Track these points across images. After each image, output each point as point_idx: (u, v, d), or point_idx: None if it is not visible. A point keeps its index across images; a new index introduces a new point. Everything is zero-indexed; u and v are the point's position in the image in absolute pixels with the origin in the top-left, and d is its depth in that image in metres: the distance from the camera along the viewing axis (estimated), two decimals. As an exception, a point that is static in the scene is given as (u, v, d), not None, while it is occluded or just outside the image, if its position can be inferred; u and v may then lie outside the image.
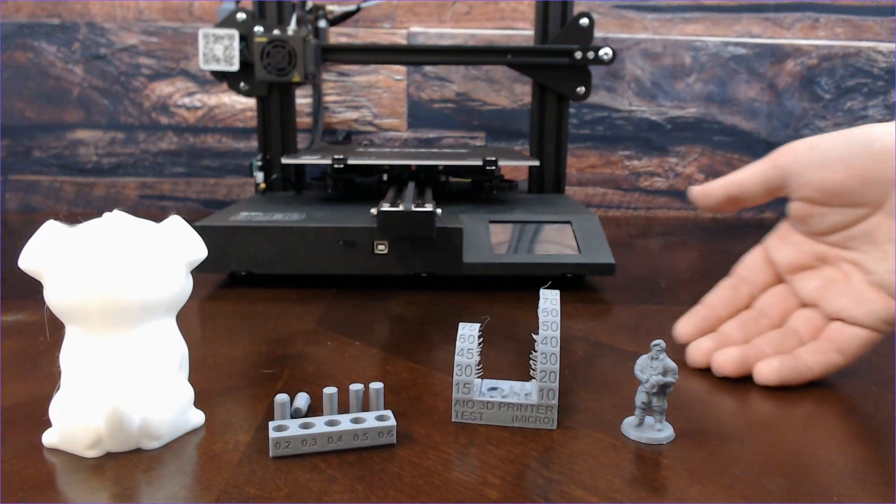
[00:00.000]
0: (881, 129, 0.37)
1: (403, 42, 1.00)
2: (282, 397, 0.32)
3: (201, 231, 0.57)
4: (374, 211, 0.56)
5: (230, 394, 0.38)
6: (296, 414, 0.34)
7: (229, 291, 0.58)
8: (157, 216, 0.33)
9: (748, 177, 0.42)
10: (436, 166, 0.71)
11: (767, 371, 0.38)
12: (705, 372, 0.41)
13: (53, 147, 1.00)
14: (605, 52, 0.72)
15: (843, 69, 1.03)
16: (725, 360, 0.40)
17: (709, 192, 0.44)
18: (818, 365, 0.39)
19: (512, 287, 0.60)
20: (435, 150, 0.79)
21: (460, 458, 0.31)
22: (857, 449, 0.32)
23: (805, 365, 0.39)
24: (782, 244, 0.43)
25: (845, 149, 0.38)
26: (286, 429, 0.31)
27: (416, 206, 0.56)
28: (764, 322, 0.42)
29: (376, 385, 0.34)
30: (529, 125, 0.89)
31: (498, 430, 0.34)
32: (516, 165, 0.95)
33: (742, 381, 0.40)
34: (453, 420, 0.35)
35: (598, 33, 0.99)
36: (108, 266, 0.29)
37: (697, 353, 0.42)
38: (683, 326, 0.44)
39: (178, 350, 0.33)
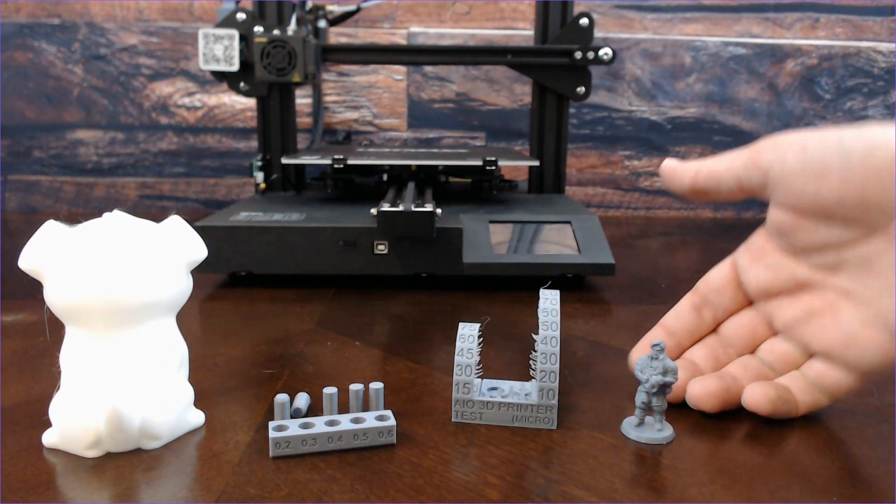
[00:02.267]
0: (881, 134, 0.31)
1: (403, 42, 1.00)
2: (282, 397, 0.32)
3: (201, 231, 0.57)
4: (373, 211, 0.56)
5: (230, 394, 0.38)
6: (296, 414, 0.34)
7: (229, 291, 0.58)
8: (157, 216, 0.33)
9: (723, 170, 0.36)
10: (436, 166, 0.71)
11: (763, 398, 0.34)
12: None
13: (53, 147, 1.00)
14: (605, 52, 0.72)
15: (843, 69, 1.03)
16: (703, 394, 0.35)
17: (678, 176, 0.38)
18: (804, 405, 0.34)
19: (512, 287, 0.60)
20: (435, 150, 0.79)
21: (460, 458, 0.31)
22: (857, 449, 0.32)
23: (794, 400, 0.34)
24: (756, 264, 0.36)
25: (840, 157, 0.31)
26: (286, 429, 0.31)
27: (416, 207, 0.56)
28: (730, 352, 0.37)
29: (376, 385, 0.34)
30: (529, 125, 0.89)
31: (498, 430, 0.34)
32: (516, 165, 0.95)
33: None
34: (453, 420, 0.35)
35: (598, 33, 0.99)
36: (108, 266, 0.29)
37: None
38: (639, 355, 0.38)
39: (178, 350, 0.33)
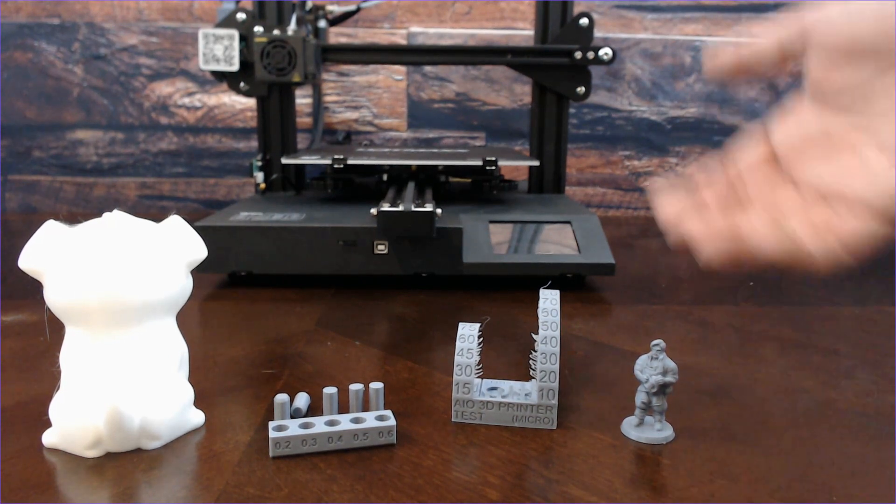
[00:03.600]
0: None
1: (403, 42, 1.00)
2: (282, 397, 0.32)
3: (201, 231, 0.57)
4: (373, 211, 0.56)
5: (230, 394, 0.38)
6: (296, 414, 0.34)
7: (229, 291, 0.58)
8: (157, 216, 0.33)
9: (764, 38, 0.36)
10: (436, 166, 0.71)
11: (768, 241, 0.32)
12: (705, 373, 0.41)
13: (53, 147, 1.00)
14: (605, 52, 0.72)
15: (843, 69, 1.02)
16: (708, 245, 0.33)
17: (718, 55, 0.38)
18: (820, 254, 0.32)
19: (512, 287, 0.60)
20: (435, 150, 0.79)
21: (460, 458, 0.31)
22: (857, 449, 0.32)
23: (805, 250, 0.32)
24: (784, 119, 0.36)
25: None
26: (286, 429, 0.31)
27: (416, 206, 0.56)
28: (742, 198, 0.36)
29: (376, 385, 0.34)
30: (529, 125, 0.89)
31: (498, 430, 0.34)
32: (516, 165, 0.95)
33: (742, 376, 0.40)
34: (453, 420, 0.35)
35: (598, 33, 0.99)
36: (107, 266, 0.29)
37: (670, 207, 0.35)
38: (667, 207, 0.36)
39: (177, 350, 0.33)
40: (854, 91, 0.34)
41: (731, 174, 0.37)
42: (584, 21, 0.72)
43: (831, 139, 0.35)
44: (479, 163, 0.66)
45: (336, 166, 0.65)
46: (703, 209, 0.35)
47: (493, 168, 0.67)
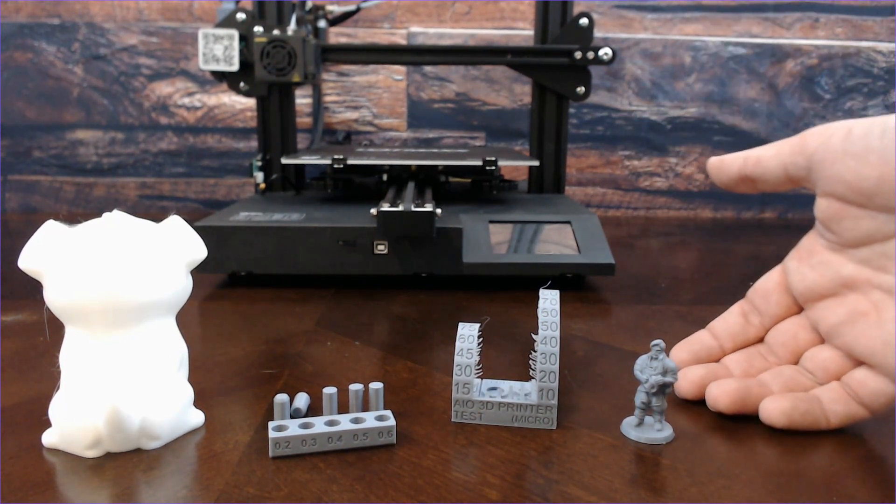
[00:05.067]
0: None
1: (403, 42, 1.00)
2: (281, 397, 0.32)
3: (201, 231, 0.57)
4: (373, 211, 0.56)
5: (230, 394, 0.38)
6: (295, 414, 0.34)
7: (229, 291, 0.58)
8: (157, 216, 0.33)
9: (770, 157, 0.36)
10: (436, 166, 0.71)
11: (776, 412, 0.33)
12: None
13: (53, 147, 1.00)
14: (605, 52, 0.72)
15: (843, 69, 1.03)
16: (720, 393, 0.34)
17: (725, 166, 0.38)
18: (836, 417, 0.33)
19: (512, 287, 0.60)
20: (435, 150, 0.79)
21: (460, 458, 0.31)
22: (857, 448, 0.32)
23: (821, 411, 0.33)
24: (803, 266, 0.36)
25: (882, 138, 0.30)
26: (286, 429, 0.31)
27: (416, 207, 0.56)
28: (771, 360, 0.37)
29: (376, 385, 0.34)
30: (529, 125, 0.89)
31: (497, 430, 0.34)
32: (516, 165, 0.95)
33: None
34: (453, 420, 0.35)
35: (598, 33, 0.99)
36: (107, 266, 0.29)
37: (686, 381, 0.36)
38: (680, 352, 0.39)
39: (177, 350, 0.33)
40: (873, 247, 0.32)
41: (755, 325, 0.38)
42: (584, 21, 0.72)
43: (851, 291, 0.34)
44: (479, 163, 0.66)
45: (336, 166, 0.65)
46: (720, 371, 0.37)
47: (493, 168, 0.67)
